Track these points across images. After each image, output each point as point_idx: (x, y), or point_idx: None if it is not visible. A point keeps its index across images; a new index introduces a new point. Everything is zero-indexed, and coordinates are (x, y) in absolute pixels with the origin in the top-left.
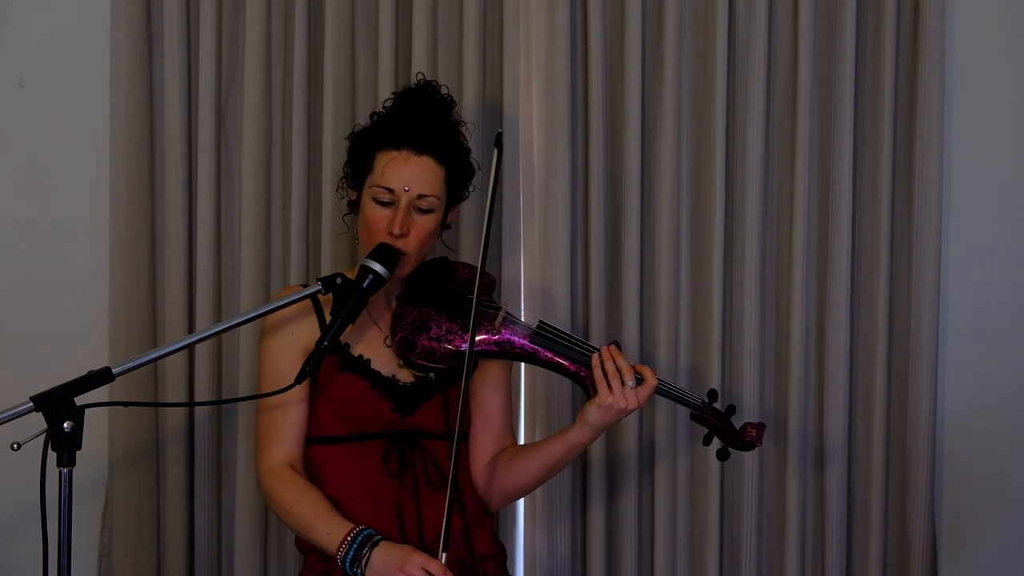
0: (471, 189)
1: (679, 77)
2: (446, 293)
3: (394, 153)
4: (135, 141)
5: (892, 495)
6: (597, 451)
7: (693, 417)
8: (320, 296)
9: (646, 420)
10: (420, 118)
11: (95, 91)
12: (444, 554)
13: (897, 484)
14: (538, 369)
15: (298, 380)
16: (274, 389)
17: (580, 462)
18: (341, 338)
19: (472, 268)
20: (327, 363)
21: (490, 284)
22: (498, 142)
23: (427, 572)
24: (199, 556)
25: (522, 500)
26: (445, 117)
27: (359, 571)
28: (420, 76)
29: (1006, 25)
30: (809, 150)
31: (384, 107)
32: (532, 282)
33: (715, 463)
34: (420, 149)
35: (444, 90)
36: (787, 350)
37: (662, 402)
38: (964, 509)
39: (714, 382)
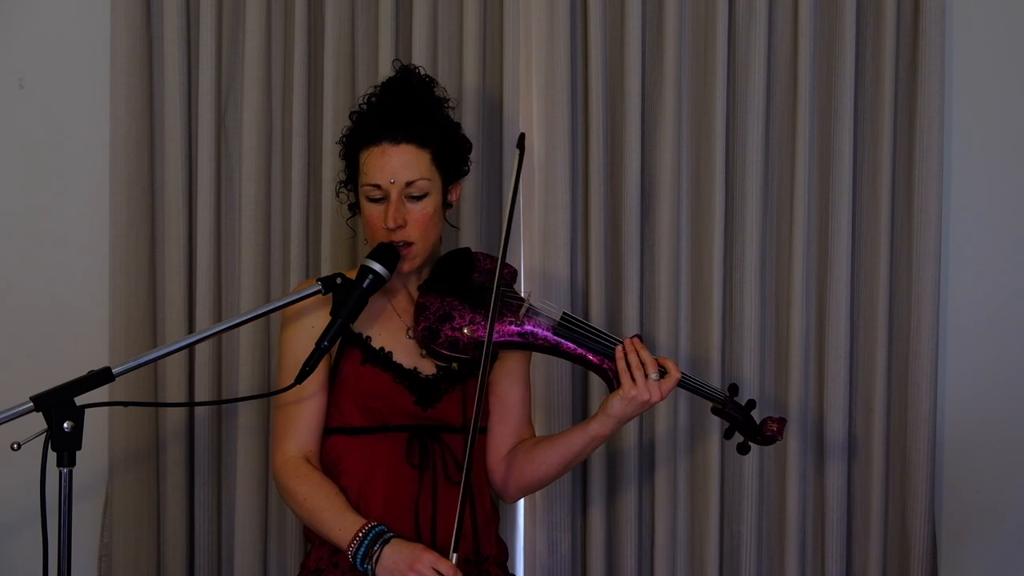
0: (469, 164)
1: (679, 77)
2: (468, 283)
3: (373, 148)
4: (135, 141)
5: (892, 495)
6: (597, 451)
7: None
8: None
9: (646, 420)
10: (393, 107)
11: (95, 91)
12: (455, 554)
13: (897, 484)
14: (537, 361)
15: (298, 380)
16: (292, 380)
17: (580, 463)
18: (363, 332)
19: (493, 259)
20: (350, 356)
21: (511, 276)
22: (520, 143)
23: (437, 572)
24: (199, 556)
25: (522, 501)
26: (421, 99)
27: (369, 568)
28: (396, 63)
29: (1006, 25)
30: (809, 150)
31: (361, 105)
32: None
33: (715, 463)
34: (397, 138)
35: (421, 71)
36: (787, 350)
37: (661, 403)
38: (964, 509)
39: (714, 382)
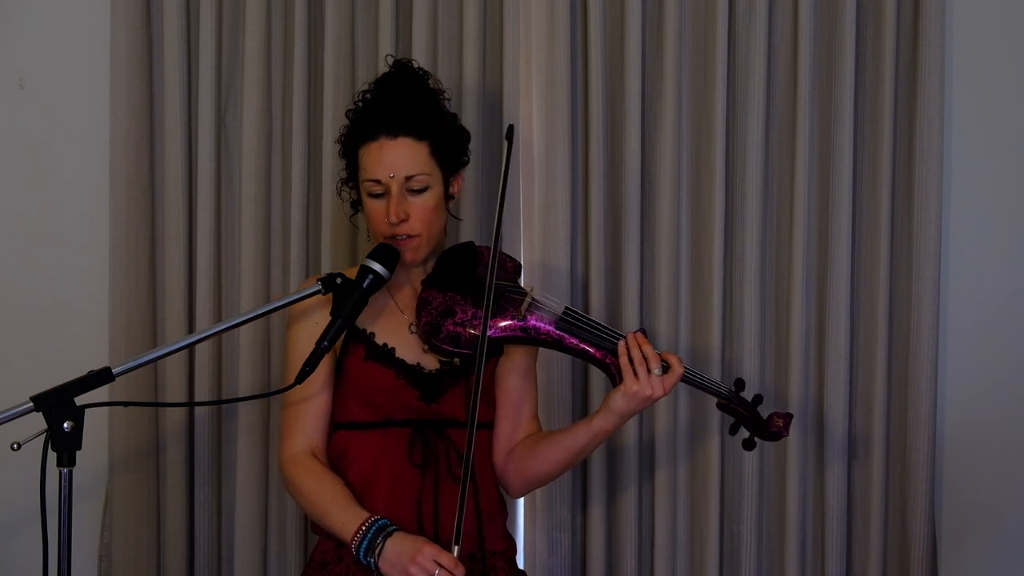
0: (468, 154)
1: (679, 77)
2: (471, 278)
3: (371, 143)
4: (135, 141)
5: (892, 495)
6: (597, 451)
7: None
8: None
9: (646, 420)
10: (388, 101)
11: (95, 91)
12: (456, 547)
13: (897, 484)
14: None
15: (298, 380)
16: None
17: (580, 463)
18: (366, 328)
19: (500, 254)
20: (354, 352)
21: (515, 270)
22: (509, 135)
23: (438, 564)
24: (199, 556)
25: (522, 501)
26: (416, 91)
27: (372, 560)
28: (389, 58)
29: (1006, 25)
30: (809, 150)
31: (356, 102)
32: (535, 287)
33: (716, 463)
34: (393, 132)
35: (415, 64)
36: (787, 350)
37: (661, 403)
38: (964, 509)
39: None
